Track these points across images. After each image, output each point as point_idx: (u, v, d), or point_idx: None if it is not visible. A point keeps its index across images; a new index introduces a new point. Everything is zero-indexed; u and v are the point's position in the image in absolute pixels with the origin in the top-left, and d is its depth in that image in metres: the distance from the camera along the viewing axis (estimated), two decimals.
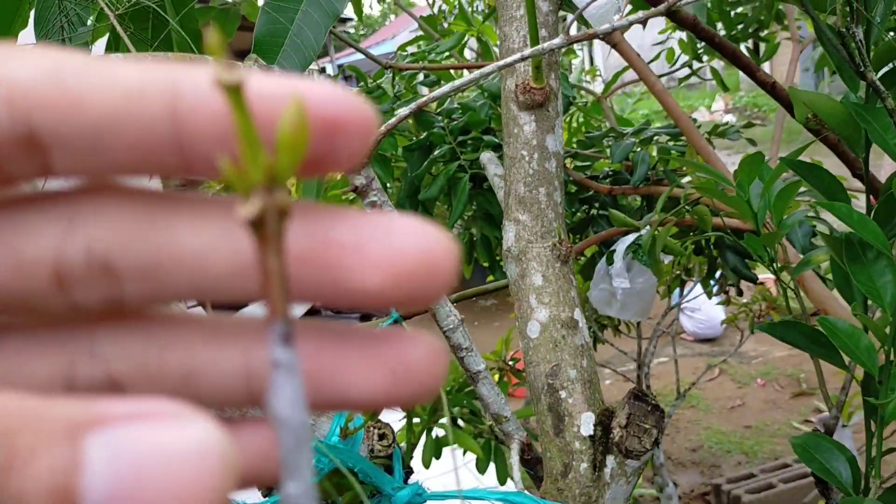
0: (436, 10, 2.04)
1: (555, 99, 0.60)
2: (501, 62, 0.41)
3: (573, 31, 0.43)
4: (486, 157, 0.70)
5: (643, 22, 0.41)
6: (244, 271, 0.17)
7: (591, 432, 0.53)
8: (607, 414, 0.53)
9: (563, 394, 0.54)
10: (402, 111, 0.43)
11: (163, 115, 0.16)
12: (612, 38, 1.17)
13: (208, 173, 0.17)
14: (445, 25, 1.90)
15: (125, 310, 0.19)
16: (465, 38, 1.55)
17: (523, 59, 0.40)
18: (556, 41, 0.41)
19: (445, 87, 0.42)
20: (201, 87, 0.16)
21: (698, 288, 2.11)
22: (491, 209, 1.33)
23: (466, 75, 1.74)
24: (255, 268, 0.17)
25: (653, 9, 0.44)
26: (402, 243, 0.17)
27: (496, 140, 1.31)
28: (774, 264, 0.96)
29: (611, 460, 0.51)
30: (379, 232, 0.17)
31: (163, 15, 0.68)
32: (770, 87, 1.05)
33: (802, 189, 1.04)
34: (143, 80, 0.16)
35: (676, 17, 0.83)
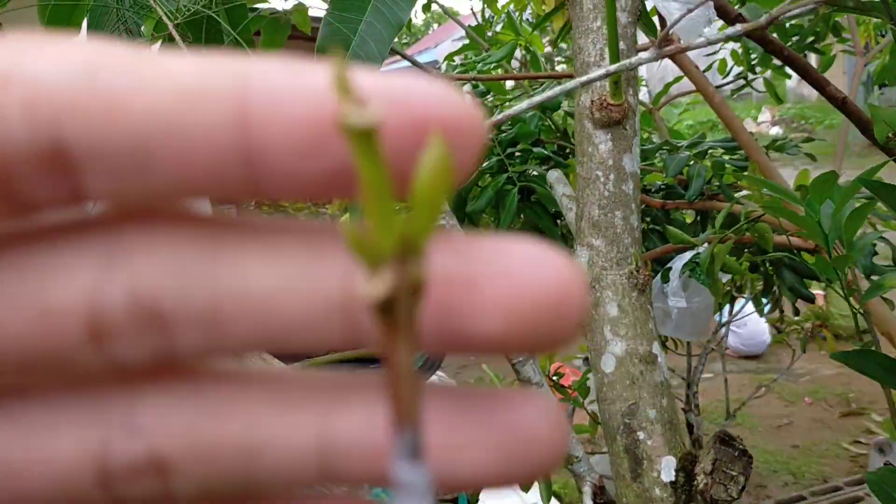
0: (481, 18, 2.02)
1: (633, 116, 0.56)
2: (585, 77, 0.37)
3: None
4: (554, 175, 0.66)
5: (739, 36, 0.38)
6: (327, 316, 0.14)
7: (673, 478, 0.49)
8: (690, 458, 0.49)
9: (641, 435, 0.50)
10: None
11: (229, 121, 0.13)
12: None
13: (282, 194, 0.14)
14: (491, 35, 1.88)
15: (174, 368, 0.15)
16: (515, 49, 1.52)
17: (609, 74, 0.37)
18: (646, 55, 0.37)
19: (523, 104, 0.39)
20: (278, 85, 0.13)
21: (746, 304, 2.05)
22: (539, 222, 1.30)
23: (510, 85, 1.71)
24: (347, 320, 0.14)
25: (751, 23, 0.41)
26: (526, 277, 0.13)
27: (545, 152, 1.28)
28: (843, 288, 0.91)
29: None
30: (496, 263, 0.14)
31: (219, 21, 0.66)
32: (840, 103, 1.00)
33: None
34: (204, 77, 0.13)
35: (763, 31, 0.79)
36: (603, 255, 0.56)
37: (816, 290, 2.07)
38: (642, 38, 1.12)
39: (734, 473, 0.46)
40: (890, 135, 0.83)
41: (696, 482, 0.47)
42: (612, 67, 0.37)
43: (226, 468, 0.15)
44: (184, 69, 0.13)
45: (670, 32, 0.51)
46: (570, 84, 0.38)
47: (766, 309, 1.93)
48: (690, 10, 0.36)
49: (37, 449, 0.15)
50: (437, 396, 0.15)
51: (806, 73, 1.02)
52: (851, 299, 0.94)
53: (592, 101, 0.56)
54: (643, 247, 1.37)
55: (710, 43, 0.38)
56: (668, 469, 0.49)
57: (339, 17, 0.53)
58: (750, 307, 2.20)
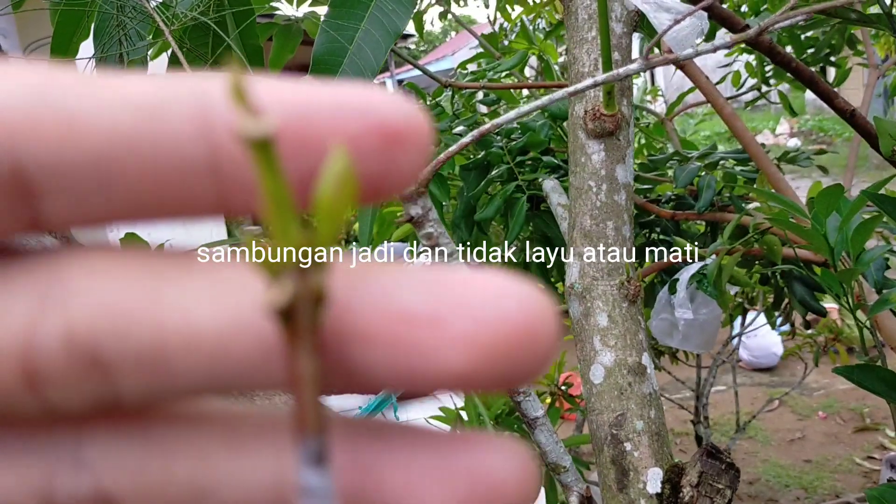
0: (496, 27, 2.02)
1: (626, 127, 0.56)
2: (572, 88, 0.37)
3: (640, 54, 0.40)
4: (550, 185, 0.66)
5: (728, 47, 0.38)
6: (282, 354, 0.13)
7: (659, 490, 0.48)
8: (676, 471, 0.49)
9: (627, 446, 0.50)
10: (464, 139, 0.40)
11: (194, 133, 0.12)
12: (680, 66, 1.13)
13: (250, 205, 0.13)
14: (506, 43, 1.88)
15: (119, 410, 0.14)
16: (527, 57, 1.52)
17: (596, 84, 0.37)
18: (634, 66, 0.37)
19: (511, 114, 0.39)
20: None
21: (758, 317, 2.04)
22: (548, 231, 1.29)
23: (526, 94, 1.71)
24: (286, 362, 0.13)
25: (740, 34, 0.41)
26: (491, 311, 0.13)
27: (555, 161, 1.28)
28: (850, 302, 0.91)
29: None
30: (459, 295, 0.13)
31: (224, 27, 0.66)
32: (849, 116, 0.99)
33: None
34: (164, 94, 0.13)
35: (754, 41, 0.79)
36: (594, 265, 0.56)
37: (830, 305, 2.05)
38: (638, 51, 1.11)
39: (721, 486, 0.46)
40: (895, 148, 0.83)
41: (681, 494, 0.47)
42: (601, 77, 0.37)
43: None
44: (142, 88, 0.13)
45: (663, 43, 0.51)
46: (557, 94, 0.38)
47: (778, 322, 1.92)
48: (678, 21, 0.36)
49: None
50: (396, 436, 0.14)
51: (813, 85, 1.01)
52: (859, 313, 0.93)
53: (586, 112, 0.56)
54: (651, 258, 1.37)
55: (699, 54, 0.38)
56: (654, 481, 0.49)
57: (336, 25, 0.54)
58: (761, 319, 2.19)
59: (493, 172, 1.26)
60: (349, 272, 0.13)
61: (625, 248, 0.56)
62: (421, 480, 0.14)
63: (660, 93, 3.08)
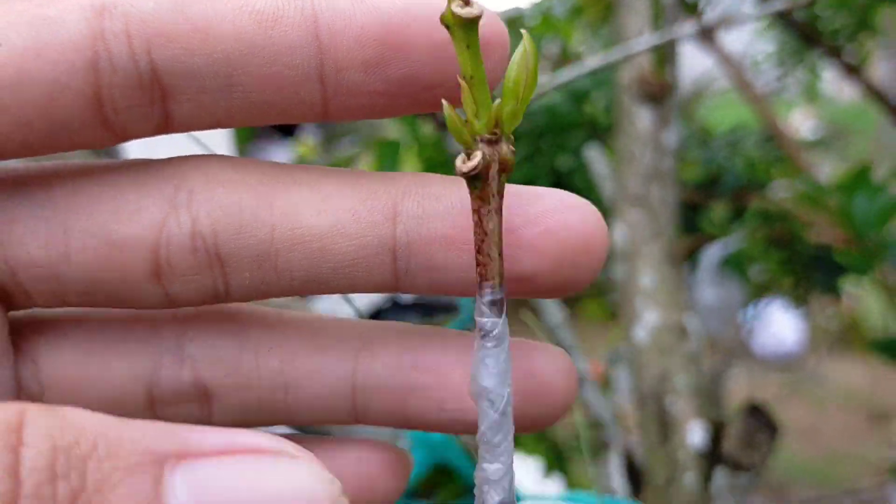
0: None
1: (672, 94, 0.58)
2: (628, 49, 0.39)
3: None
4: (593, 153, 0.68)
5: (787, 12, 0.39)
6: (376, 255, 0.15)
7: (700, 442, 0.50)
8: (717, 426, 0.51)
9: (670, 401, 0.52)
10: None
11: (303, 39, 0.14)
12: (707, 42, 1.14)
13: (354, 111, 0.15)
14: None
15: (222, 308, 0.17)
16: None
17: (651, 47, 0.38)
18: (687, 28, 0.39)
19: (572, 72, 0.40)
20: (342, 4, 0.14)
21: (774, 306, 2.04)
22: None
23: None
24: (394, 260, 0.15)
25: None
26: (555, 221, 0.15)
27: (576, 145, 1.29)
28: (875, 282, 0.91)
29: (719, 473, 0.49)
30: (528, 209, 0.15)
31: None
32: (867, 88, 1.00)
33: None
34: (277, 3, 0.14)
35: (791, 20, 0.80)
36: (639, 228, 0.58)
37: (848, 294, 2.05)
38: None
39: (759, 442, 0.48)
40: None
41: (721, 448, 0.49)
42: (654, 39, 0.38)
43: (262, 399, 0.17)
44: None
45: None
46: (613, 54, 0.39)
47: (795, 309, 1.92)
48: None
49: (95, 369, 0.16)
50: (462, 341, 0.17)
51: (839, 60, 1.02)
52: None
53: (634, 78, 0.58)
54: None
55: (751, 19, 0.39)
56: (696, 434, 0.51)
57: None
58: (778, 309, 2.19)
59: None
60: (428, 182, 0.15)
61: (670, 212, 0.58)
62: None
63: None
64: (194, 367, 0.16)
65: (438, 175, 0.15)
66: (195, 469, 0.11)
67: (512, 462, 0.13)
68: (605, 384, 1.45)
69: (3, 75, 0.13)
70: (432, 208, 0.15)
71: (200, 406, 0.17)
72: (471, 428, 0.16)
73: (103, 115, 0.14)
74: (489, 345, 0.13)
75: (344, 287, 0.16)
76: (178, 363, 0.16)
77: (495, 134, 0.13)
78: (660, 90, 0.56)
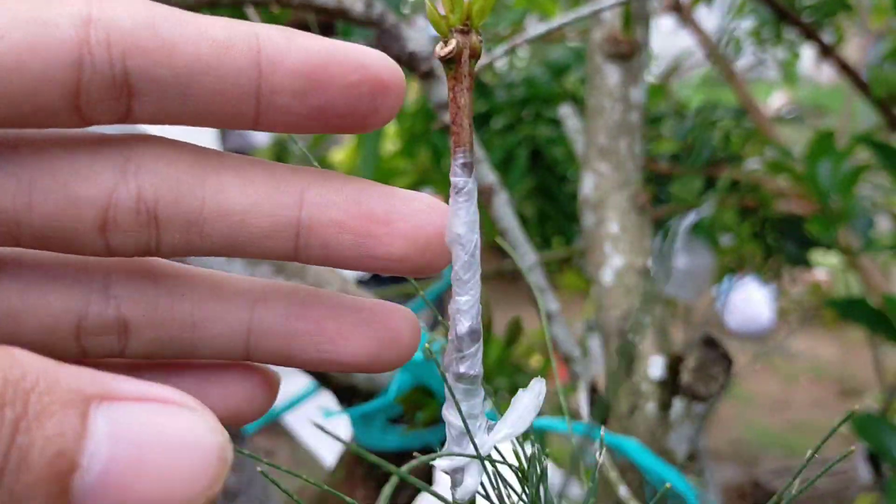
0: None
1: (641, 52, 0.62)
2: (597, 5, 0.42)
3: None
4: (565, 110, 0.72)
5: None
6: (281, 232, 0.19)
7: (660, 375, 0.54)
8: (676, 359, 0.55)
9: (633, 337, 0.56)
10: (498, 50, 0.44)
11: (248, 65, 0.18)
12: (683, 18, 1.17)
13: (279, 126, 0.19)
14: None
15: (149, 259, 0.20)
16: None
17: (620, 3, 0.41)
18: None
19: (540, 28, 0.43)
20: (281, 43, 0.18)
21: (746, 282, 2.09)
22: (548, 183, 1.33)
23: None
24: (297, 236, 0.19)
25: None
26: (423, 219, 0.19)
27: (555, 116, 1.32)
28: (839, 246, 0.96)
29: (677, 402, 0.53)
30: (405, 207, 0.19)
31: None
32: (843, 67, 1.04)
33: None
34: (230, 33, 0.18)
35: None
36: (608, 178, 0.62)
37: (820, 269, 2.10)
38: None
39: (715, 373, 0.52)
40: (884, 95, 0.88)
41: (680, 379, 0.53)
42: None
43: (172, 336, 0.20)
44: (215, 25, 0.18)
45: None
46: (583, 10, 0.42)
47: (767, 284, 1.97)
48: None
49: (32, 300, 0.19)
50: (338, 299, 0.21)
51: (816, 39, 1.06)
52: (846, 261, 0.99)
53: (604, 36, 0.61)
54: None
55: None
56: (656, 367, 0.55)
57: None
58: (751, 285, 2.24)
59: (493, 124, 1.29)
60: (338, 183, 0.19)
61: (636, 164, 0.62)
62: (351, 332, 0.20)
63: (653, 57, 3.10)
64: (118, 305, 0.20)
65: (340, 172, 0.20)
66: (114, 409, 0.14)
67: (479, 295, 0.17)
68: (583, 350, 1.48)
69: (2, 63, 0.16)
70: (330, 199, 0.19)
71: (119, 338, 0.20)
72: (342, 367, 0.21)
73: (77, 104, 0.17)
74: (461, 199, 0.17)
75: (254, 253, 0.20)
76: (105, 301, 0.20)
77: (467, 26, 0.16)
78: (629, 48, 0.59)
